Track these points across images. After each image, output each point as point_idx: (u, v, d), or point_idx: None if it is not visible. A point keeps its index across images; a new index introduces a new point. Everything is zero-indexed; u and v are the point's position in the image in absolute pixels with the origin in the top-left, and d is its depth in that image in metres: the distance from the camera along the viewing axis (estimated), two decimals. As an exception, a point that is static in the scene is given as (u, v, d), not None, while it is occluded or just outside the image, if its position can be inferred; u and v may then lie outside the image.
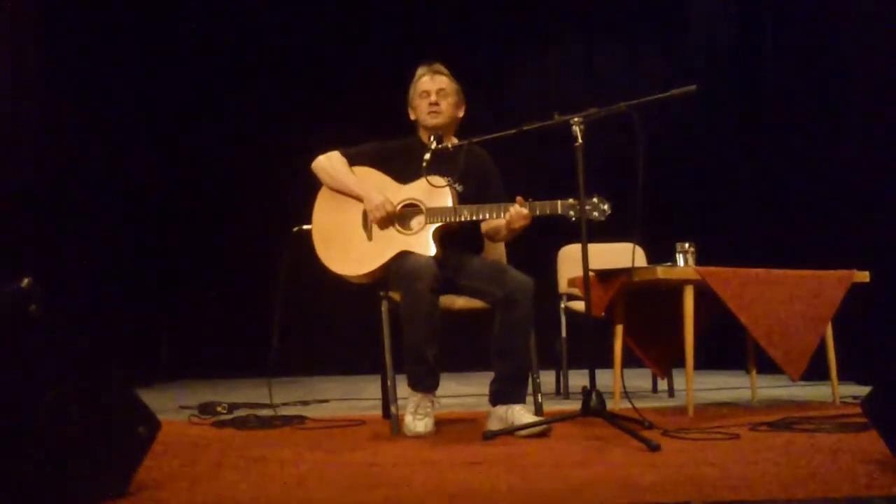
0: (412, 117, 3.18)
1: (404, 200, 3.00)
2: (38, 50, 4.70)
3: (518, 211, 2.83)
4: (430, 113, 3.08)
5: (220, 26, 6.59)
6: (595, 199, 2.79)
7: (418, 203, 2.98)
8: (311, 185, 3.14)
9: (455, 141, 3.11)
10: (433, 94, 3.08)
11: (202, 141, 6.47)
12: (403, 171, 3.02)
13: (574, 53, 7.15)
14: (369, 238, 2.99)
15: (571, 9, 6.96)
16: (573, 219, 2.77)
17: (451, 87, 3.13)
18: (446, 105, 3.10)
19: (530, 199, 2.85)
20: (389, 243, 2.95)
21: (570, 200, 2.78)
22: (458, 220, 2.91)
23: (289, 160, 4.83)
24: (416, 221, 2.98)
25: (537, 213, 2.84)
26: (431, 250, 2.89)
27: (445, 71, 3.16)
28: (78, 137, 5.03)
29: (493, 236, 3.13)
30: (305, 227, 3.08)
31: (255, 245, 6.01)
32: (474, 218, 2.91)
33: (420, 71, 3.16)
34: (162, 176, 6.24)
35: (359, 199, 3.01)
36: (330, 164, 3.10)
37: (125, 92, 5.68)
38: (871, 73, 4.80)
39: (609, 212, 2.79)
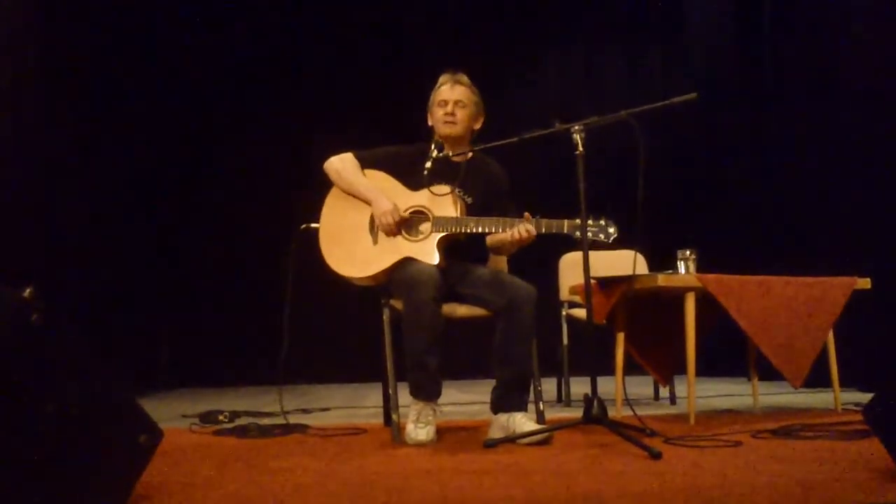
0: (430, 123, 3.18)
1: (412, 207, 3.00)
2: (38, 51, 4.70)
3: (523, 227, 2.83)
4: (445, 123, 3.07)
5: (226, 24, 6.56)
6: (602, 221, 2.78)
7: (426, 211, 2.98)
8: (316, 188, 3.15)
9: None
10: (450, 104, 3.07)
11: (204, 145, 6.46)
12: (414, 178, 3.02)
13: (574, 61, 7.15)
14: (375, 242, 3.00)
15: (571, 16, 6.97)
16: (578, 240, 2.75)
17: (470, 98, 3.11)
18: (463, 116, 3.08)
19: (538, 216, 2.84)
20: (394, 249, 2.96)
21: (577, 221, 2.75)
22: (464, 231, 2.91)
23: (292, 164, 4.90)
24: (423, 229, 2.98)
25: (543, 230, 2.83)
26: (435, 259, 2.89)
27: (467, 81, 3.14)
28: (79, 140, 5.02)
29: (498, 250, 3.13)
30: (314, 225, 3.10)
31: (257, 255, 6.01)
32: (480, 230, 2.90)
33: (442, 79, 3.15)
34: (163, 183, 6.24)
35: (368, 203, 3.02)
36: (342, 165, 3.10)
37: (129, 94, 5.67)
38: (871, 77, 4.81)
39: (615, 235, 2.77)
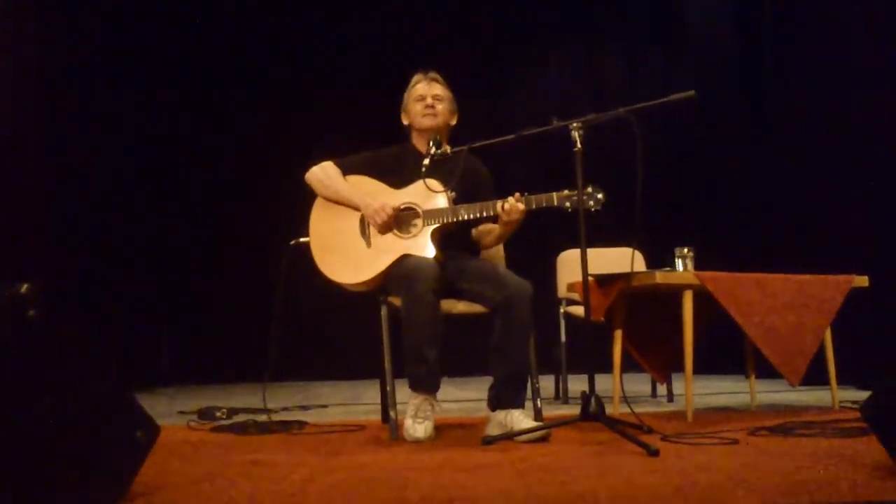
0: (405, 122, 3.20)
1: (400, 205, 3.00)
2: (38, 50, 4.70)
3: (513, 204, 2.84)
4: (425, 115, 3.09)
5: (218, 37, 6.59)
6: (590, 189, 2.81)
7: (415, 207, 2.98)
8: (310, 195, 3.14)
9: (448, 148, 3.12)
10: (429, 97, 3.11)
11: (203, 147, 6.47)
12: (397, 178, 3.04)
13: (574, 61, 7.15)
14: (368, 245, 2.99)
15: (571, 14, 6.97)
16: (569, 210, 2.79)
17: (446, 94, 3.17)
18: (442, 109, 3.12)
19: (526, 194, 2.86)
20: (389, 249, 2.95)
21: (566, 192, 2.81)
22: (455, 220, 2.91)
23: (291, 165, 4.85)
24: (414, 225, 2.99)
25: (533, 206, 2.86)
26: (431, 252, 2.89)
27: (441, 79, 3.19)
28: (78, 141, 5.03)
29: (484, 237, 3.14)
30: (303, 239, 3.09)
31: (256, 250, 6.00)
32: (472, 216, 2.92)
33: (416, 77, 3.20)
34: (162, 181, 6.24)
35: (355, 207, 3.02)
36: (324, 174, 3.10)
37: (127, 99, 5.68)
38: (872, 77, 4.81)
39: (604, 200, 2.81)
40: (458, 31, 6.63)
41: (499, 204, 2.87)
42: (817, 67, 5.31)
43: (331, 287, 3.05)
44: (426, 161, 2.89)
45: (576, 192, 2.75)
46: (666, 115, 6.39)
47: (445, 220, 2.93)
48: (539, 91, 6.91)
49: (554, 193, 2.84)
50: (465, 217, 2.91)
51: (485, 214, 2.92)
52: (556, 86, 6.99)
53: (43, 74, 4.73)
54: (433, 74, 3.19)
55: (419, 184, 2.95)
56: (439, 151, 2.94)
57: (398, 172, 3.04)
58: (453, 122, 3.21)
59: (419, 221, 2.97)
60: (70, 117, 4.97)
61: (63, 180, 4.84)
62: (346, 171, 3.11)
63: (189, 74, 6.49)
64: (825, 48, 5.25)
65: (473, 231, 3.15)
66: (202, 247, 6.41)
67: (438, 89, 3.15)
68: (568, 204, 2.80)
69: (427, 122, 3.09)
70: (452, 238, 3.01)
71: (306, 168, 3.14)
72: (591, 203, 2.80)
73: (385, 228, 2.97)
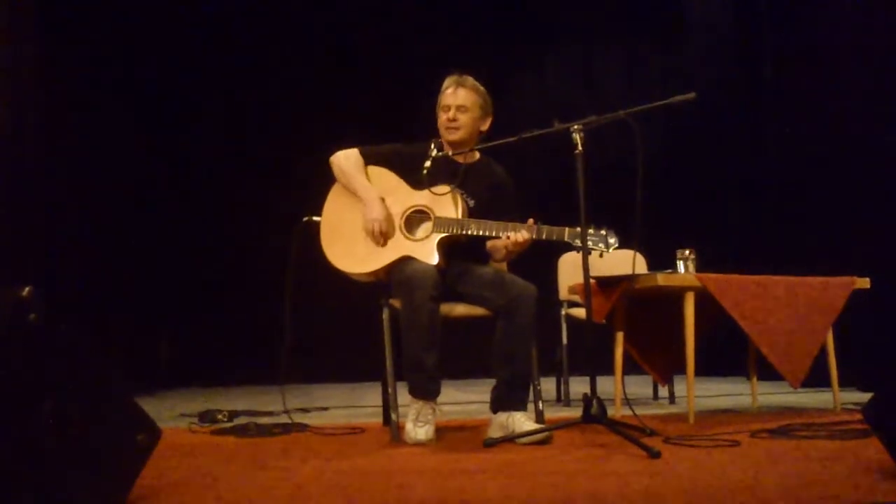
0: (438, 125, 3.18)
1: (414, 206, 3.00)
2: (38, 50, 4.70)
3: (520, 233, 2.81)
4: (447, 129, 3.07)
5: (232, 15, 6.55)
6: (603, 231, 2.73)
7: (428, 210, 2.98)
8: (315, 186, 3.16)
9: (476, 155, 3.13)
10: (452, 109, 3.06)
11: (205, 143, 6.45)
12: (418, 176, 3.01)
13: (574, 61, 7.15)
14: None
15: (571, 16, 6.97)
16: (576, 249, 2.73)
17: (473, 101, 3.08)
18: (465, 120, 3.06)
19: (538, 223, 2.83)
20: (394, 246, 2.96)
21: (578, 229, 2.70)
22: (464, 233, 2.90)
23: (293, 161, 4.92)
24: (423, 229, 2.98)
25: (543, 237, 2.81)
26: (434, 259, 2.88)
27: (471, 84, 3.11)
28: (78, 136, 5.02)
29: (494, 252, 3.13)
30: (315, 218, 3.10)
31: (256, 254, 6.00)
32: (481, 233, 2.89)
33: (446, 83, 3.13)
34: (161, 183, 6.24)
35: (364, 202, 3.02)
36: (347, 162, 3.10)
37: (127, 91, 5.66)
38: (871, 78, 4.81)
39: (616, 245, 2.73)
40: (457, 32, 6.63)
41: (508, 229, 2.84)
42: (818, 68, 5.31)
43: (332, 289, 3.05)
44: (427, 164, 2.89)
45: (588, 231, 2.69)
46: (667, 116, 6.42)
47: (454, 231, 2.91)
48: (538, 92, 6.90)
49: (566, 229, 2.76)
50: (475, 232, 2.90)
51: (493, 234, 2.91)
52: (555, 87, 6.98)
53: (43, 75, 4.72)
54: (462, 79, 3.11)
55: (437, 188, 2.95)
56: (440, 154, 2.94)
57: (420, 171, 2.98)
58: (483, 127, 3.13)
59: (429, 226, 2.96)
60: (68, 114, 4.95)
61: (62, 180, 4.83)
62: (370, 160, 3.11)
63: (188, 65, 6.44)
64: (825, 49, 5.26)
65: (488, 243, 3.13)
66: (203, 249, 6.40)
67: (464, 97, 3.07)
68: (577, 242, 2.70)
69: (448, 135, 3.07)
70: (463, 248, 2.99)
71: (315, 157, 3.14)
72: (602, 246, 2.73)
73: (374, 240, 2.96)
